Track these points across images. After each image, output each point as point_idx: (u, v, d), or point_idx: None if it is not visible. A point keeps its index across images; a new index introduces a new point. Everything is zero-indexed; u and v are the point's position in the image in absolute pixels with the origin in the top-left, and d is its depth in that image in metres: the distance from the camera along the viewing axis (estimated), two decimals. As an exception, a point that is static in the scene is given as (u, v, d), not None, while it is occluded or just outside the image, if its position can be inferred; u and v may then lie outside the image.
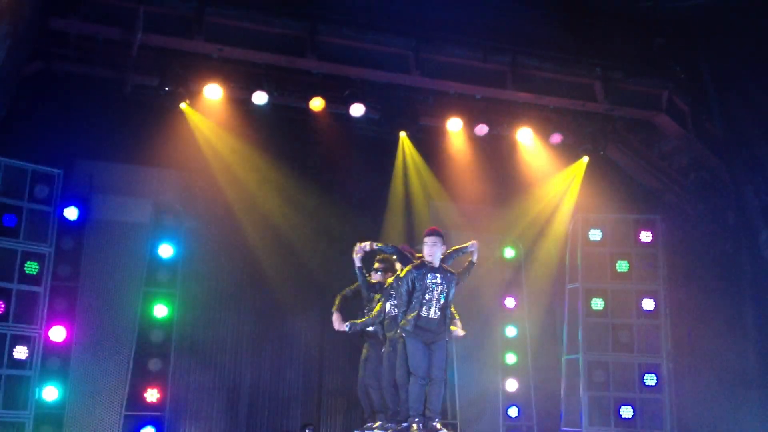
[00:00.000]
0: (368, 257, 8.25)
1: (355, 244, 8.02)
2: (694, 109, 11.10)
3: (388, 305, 8.07)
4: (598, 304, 11.18)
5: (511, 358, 11.55)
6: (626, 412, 10.87)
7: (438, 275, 7.55)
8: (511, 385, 11.45)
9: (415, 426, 7.35)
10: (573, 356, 11.16)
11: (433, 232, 7.67)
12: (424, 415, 7.40)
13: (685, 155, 11.49)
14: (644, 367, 11.04)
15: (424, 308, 7.48)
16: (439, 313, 7.53)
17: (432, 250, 7.56)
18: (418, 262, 7.67)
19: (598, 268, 11.30)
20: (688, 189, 11.62)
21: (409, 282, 7.52)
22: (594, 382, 10.98)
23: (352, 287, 8.70)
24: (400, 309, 7.60)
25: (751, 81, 10.26)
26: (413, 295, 7.50)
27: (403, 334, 7.54)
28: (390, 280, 8.16)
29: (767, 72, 10.02)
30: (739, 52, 10.29)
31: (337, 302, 8.54)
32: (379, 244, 8.06)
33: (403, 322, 7.51)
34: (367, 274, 8.43)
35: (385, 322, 8.12)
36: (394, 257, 8.22)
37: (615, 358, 11.03)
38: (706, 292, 11.03)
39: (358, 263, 8.18)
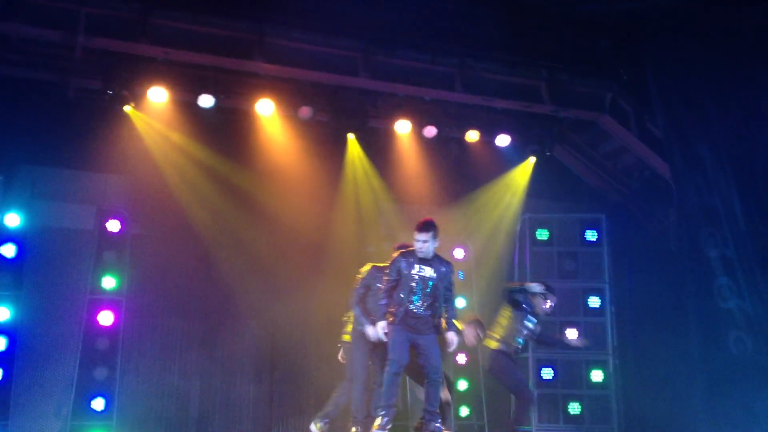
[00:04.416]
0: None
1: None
2: (637, 110, 11.33)
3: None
4: (546, 302, 11.35)
5: (461, 357, 11.59)
6: (574, 408, 11.08)
7: (426, 267, 7.09)
8: (462, 384, 11.50)
9: (379, 419, 6.96)
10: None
11: (426, 227, 7.11)
12: (392, 407, 7.01)
13: (629, 155, 11.70)
14: (591, 364, 11.26)
15: (410, 300, 7.05)
16: (427, 305, 7.10)
17: (424, 246, 7.06)
18: (407, 251, 7.24)
19: (545, 267, 11.48)
20: (633, 188, 11.87)
21: (395, 271, 7.12)
22: (543, 380, 11.16)
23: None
24: (388, 299, 7.11)
25: (693, 83, 10.47)
26: (400, 285, 7.07)
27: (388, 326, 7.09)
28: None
29: (709, 74, 10.24)
30: (682, 55, 10.49)
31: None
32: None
33: (387, 315, 7.11)
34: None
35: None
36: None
37: (563, 356, 11.21)
38: (650, 290, 11.28)
39: None
